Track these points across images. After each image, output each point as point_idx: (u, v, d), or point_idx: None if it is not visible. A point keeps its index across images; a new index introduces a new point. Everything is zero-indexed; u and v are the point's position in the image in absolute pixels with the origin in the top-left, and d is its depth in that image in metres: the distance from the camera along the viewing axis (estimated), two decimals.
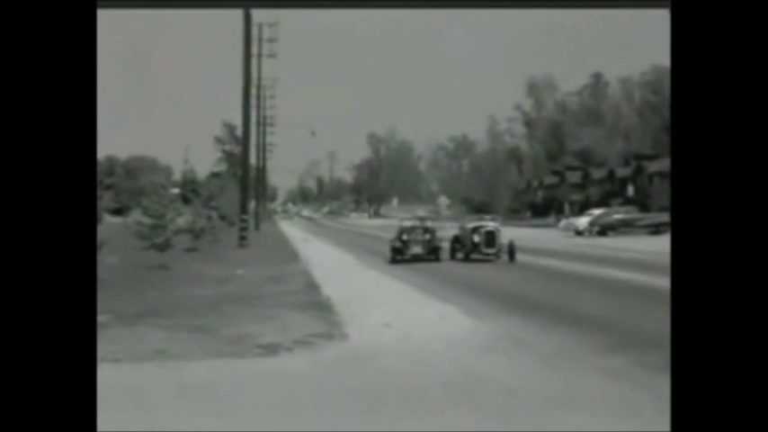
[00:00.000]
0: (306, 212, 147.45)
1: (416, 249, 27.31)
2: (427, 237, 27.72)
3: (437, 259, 26.88)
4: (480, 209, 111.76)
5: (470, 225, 28.19)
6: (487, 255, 26.81)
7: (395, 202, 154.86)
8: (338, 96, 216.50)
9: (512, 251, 26.77)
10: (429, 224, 29.81)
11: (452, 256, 27.64)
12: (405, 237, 27.81)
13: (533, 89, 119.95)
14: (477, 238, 26.99)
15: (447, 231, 31.18)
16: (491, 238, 27.15)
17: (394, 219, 49.19)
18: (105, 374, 8.50)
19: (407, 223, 29.57)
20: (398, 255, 27.38)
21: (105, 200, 58.69)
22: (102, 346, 9.87)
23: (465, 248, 27.36)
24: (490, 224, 28.58)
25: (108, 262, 15.87)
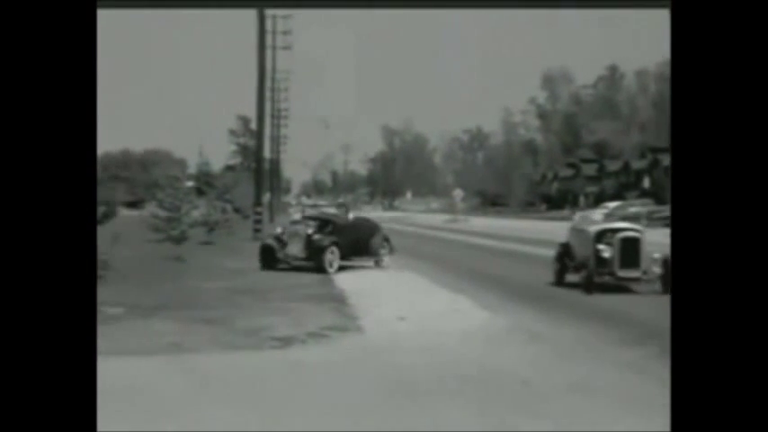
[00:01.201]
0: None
1: (293, 250, 19.83)
2: (310, 231, 19.94)
3: (319, 267, 18.95)
4: (495, 202, 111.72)
5: (593, 228, 16.31)
6: (626, 279, 15.39)
7: (409, 194, 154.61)
8: (353, 89, 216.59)
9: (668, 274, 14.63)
10: (345, 215, 21.68)
11: (558, 280, 16.83)
12: (280, 230, 20.89)
13: (548, 81, 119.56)
14: (606, 252, 15.33)
15: (460, 224, 29.69)
16: (632, 250, 15.30)
17: (408, 211, 48.50)
18: (120, 367, 8.50)
19: (310, 212, 22.81)
20: (268, 256, 20.06)
21: (120, 193, 58.94)
22: (117, 339, 9.88)
23: (587, 268, 15.51)
24: (626, 226, 16.20)
25: (123, 255, 15.91)
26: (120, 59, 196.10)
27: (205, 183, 48.02)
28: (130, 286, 15.06)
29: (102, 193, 54.22)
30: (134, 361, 8.84)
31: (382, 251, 21.15)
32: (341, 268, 19.42)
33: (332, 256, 19.29)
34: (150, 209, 34.01)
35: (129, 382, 7.81)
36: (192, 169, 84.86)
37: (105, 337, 10.02)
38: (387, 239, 21.46)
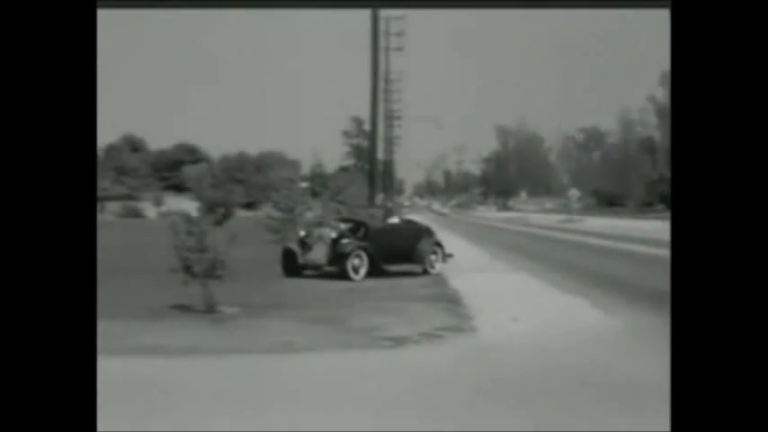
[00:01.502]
0: (436, 206, 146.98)
1: (316, 255, 17.99)
2: (334, 235, 18.17)
3: (342, 274, 17.35)
4: (612, 201, 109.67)
5: None
6: None
7: (523, 194, 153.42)
8: (466, 89, 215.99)
9: None
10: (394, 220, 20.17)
11: None
12: (304, 234, 18.77)
13: (667, 79, 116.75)
14: None
15: (575, 224, 28.88)
16: None
17: (523, 211, 47.79)
18: (237, 365, 8.64)
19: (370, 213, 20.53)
20: (290, 262, 18.35)
21: (237, 195, 60.14)
22: (234, 338, 10.05)
23: None
24: None
25: (239, 255, 16.20)
26: (236, 63, 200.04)
27: (319, 184, 48.57)
28: (245, 286, 15.32)
29: (221, 195, 55.43)
30: (251, 359, 8.96)
31: (432, 257, 19.44)
32: (382, 274, 17.86)
33: (358, 262, 17.62)
34: (266, 210, 34.61)
35: (245, 380, 7.93)
36: (305, 170, 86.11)
37: (223, 336, 10.22)
38: (439, 245, 19.89)
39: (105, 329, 10.38)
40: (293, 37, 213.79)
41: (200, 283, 12.34)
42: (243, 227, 28.94)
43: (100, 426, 6.22)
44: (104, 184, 68.76)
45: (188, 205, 43.91)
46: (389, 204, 20.24)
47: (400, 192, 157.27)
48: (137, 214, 72.69)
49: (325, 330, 10.72)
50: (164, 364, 8.62)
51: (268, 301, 13.50)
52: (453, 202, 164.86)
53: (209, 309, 12.08)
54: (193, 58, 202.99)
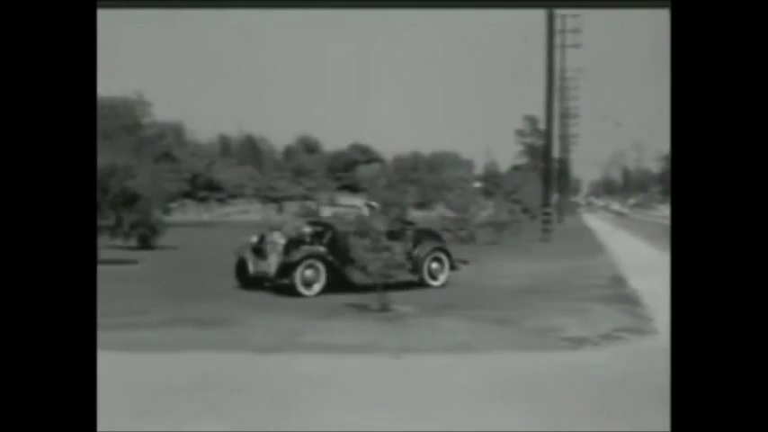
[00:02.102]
0: (615, 205, 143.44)
1: (267, 265, 15.02)
2: (283, 241, 14.91)
3: (290, 289, 14.03)
4: None
5: None
6: None
7: None
8: (644, 85, 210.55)
9: None
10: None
11: None
12: (256, 239, 15.76)
13: None
14: None
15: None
16: None
17: None
18: (408, 363, 8.61)
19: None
20: (244, 273, 15.54)
21: (411, 195, 60.66)
22: (409, 337, 10.03)
23: None
24: None
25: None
26: (409, 64, 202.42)
27: (492, 183, 48.35)
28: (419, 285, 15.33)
29: (395, 195, 56.04)
30: (425, 358, 8.91)
31: (434, 265, 16.04)
32: (352, 289, 14.30)
33: (311, 274, 14.32)
34: (439, 210, 34.70)
35: (421, 378, 7.89)
36: (479, 170, 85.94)
37: (399, 335, 10.21)
38: (443, 251, 16.40)
39: (282, 327, 10.60)
40: (466, 36, 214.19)
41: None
42: None
43: (291, 423, 6.32)
44: (282, 184, 70.73)
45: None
46: (372, 203, 16.89)
47: (577, 191, 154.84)
48: (313, 214, 74.35)
49: (501, 330, 10.57)
50: (338, 361, 8.67)
51: (442, 300, 13.45)
52: (632, 200, 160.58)
53: (384, 307, 12.13)
54: (368, 59, 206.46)
